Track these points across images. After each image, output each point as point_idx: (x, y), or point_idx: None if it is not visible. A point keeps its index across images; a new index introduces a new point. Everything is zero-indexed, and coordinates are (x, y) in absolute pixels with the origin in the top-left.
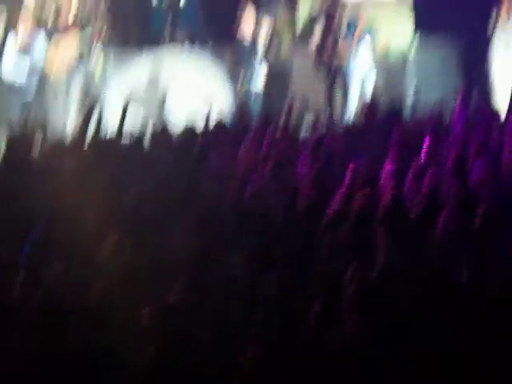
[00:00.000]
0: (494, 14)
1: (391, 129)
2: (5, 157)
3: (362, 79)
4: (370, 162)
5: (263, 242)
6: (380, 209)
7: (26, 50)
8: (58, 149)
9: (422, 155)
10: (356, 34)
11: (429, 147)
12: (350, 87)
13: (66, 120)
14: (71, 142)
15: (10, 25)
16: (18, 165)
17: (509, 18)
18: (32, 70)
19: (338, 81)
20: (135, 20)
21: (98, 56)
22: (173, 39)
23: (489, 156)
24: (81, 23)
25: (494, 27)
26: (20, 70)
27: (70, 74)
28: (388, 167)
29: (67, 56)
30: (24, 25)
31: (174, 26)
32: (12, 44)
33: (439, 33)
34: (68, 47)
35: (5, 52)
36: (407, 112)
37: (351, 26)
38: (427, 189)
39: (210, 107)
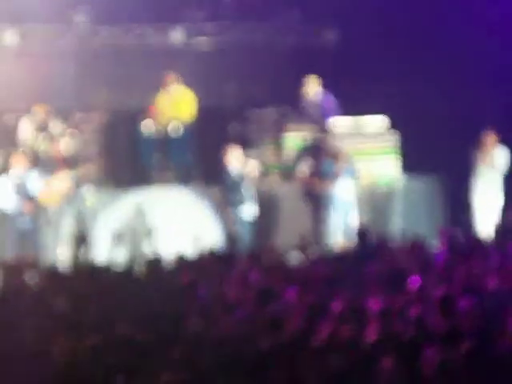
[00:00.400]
0: (474, 154)
1: (377, 258)
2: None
3: (348, 208)
4: (355, 294)
5: (250, 372)
6: (366, 342)
7: (20, 185)
8: (50, 277)
9: (408, 290)
10: (341, 163)
11: (414, 283)
12: (336, 216)
13: (57, 250)
14: (63, 271)
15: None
16: (12, 292)
17: (488, 157)
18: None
19: (325, 210)
20: (125, 162)
21: (87, 194)
22: (161, 179)
23: (473, 293)
24: (71, 164)
25: (476, 166)
26: (14, 201)
27: (61, 208)
28: (374, 301)
29: (58, 193)
30: (18, 163)
31: (163, 166)
32: (7, 179)
33: (425, 168)
34: (59, 185)
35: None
36: (393, 242)
37: (337, 156)
38: (413, 324)
39: (199, 241)
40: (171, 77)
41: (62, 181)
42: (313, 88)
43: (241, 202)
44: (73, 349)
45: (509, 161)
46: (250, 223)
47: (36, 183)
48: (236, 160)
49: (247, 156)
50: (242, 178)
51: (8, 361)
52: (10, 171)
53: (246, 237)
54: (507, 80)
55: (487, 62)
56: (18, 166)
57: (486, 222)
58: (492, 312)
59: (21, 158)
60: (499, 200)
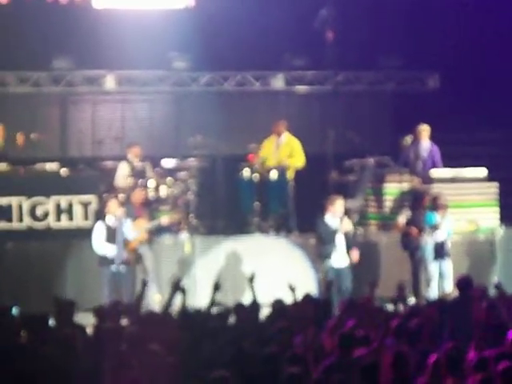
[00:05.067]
0: None
1: (476, 307)
2: (96, 326)
3: (445, 258)
4: (454, 348)
5: None
6: None
7: (116, 230)
8: (146, 319)
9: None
10: (440, 214)
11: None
12: (433, 266)
13: (150, 296)
14: (159, 313)
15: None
16: (108, 334)
17: None
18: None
19: (422, 260)
20: (222, 209)
21: (185, 241)
22: (259, 227)
23: None
24: (169, 209)
25: None
26: (111, 246)
27: (144, 254)
28: (471, 353)
29: (142, 238)
30: (113, 209)
31: (261, 214)
32: (104, 225)
33: None
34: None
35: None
36: (492, 292)
37: (436, 207)
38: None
39: (294, 290)
40: (282, 124)
41: (144, 226)
42: (422, 137)
43: (333, 252)
44: None
45: None
46: (346, 272)
47: (130, 229)
48: (338, 210)
49: (347, 207)
50: (336, 229)
51: None
52: (107, 217)
53: (343, 285)
54: None
55: None
56: (114, 211)
57: None
58: None
59: (115, 203)
60: None
